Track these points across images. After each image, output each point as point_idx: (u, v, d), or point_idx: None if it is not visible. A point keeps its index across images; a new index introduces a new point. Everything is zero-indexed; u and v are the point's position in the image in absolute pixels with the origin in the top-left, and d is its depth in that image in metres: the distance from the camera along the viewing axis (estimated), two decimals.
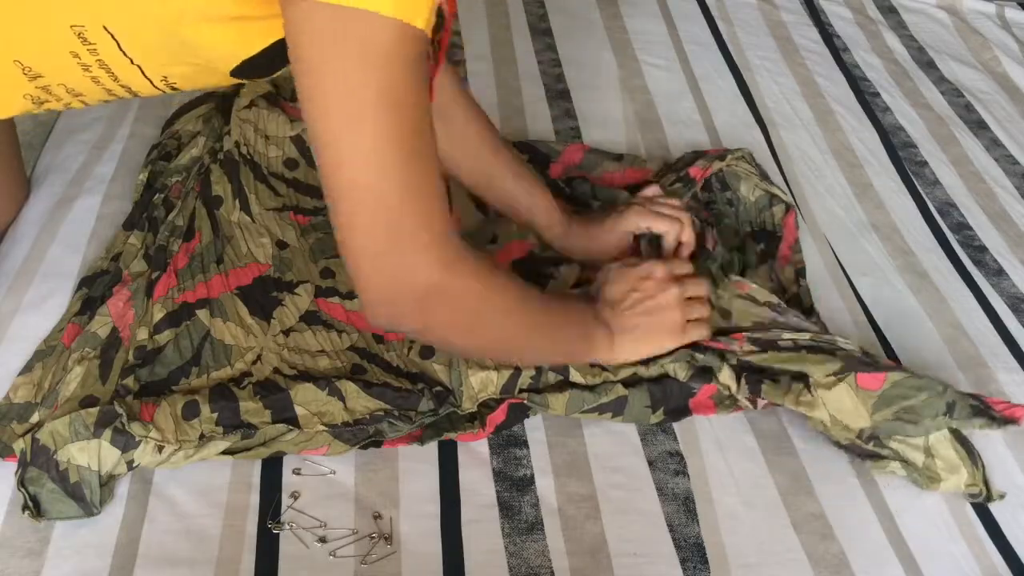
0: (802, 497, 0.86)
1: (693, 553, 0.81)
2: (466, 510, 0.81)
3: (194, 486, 0.80)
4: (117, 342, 0.86)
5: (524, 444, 0.87)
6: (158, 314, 0.88)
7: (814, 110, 1.35)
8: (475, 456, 0.85)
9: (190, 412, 0.80)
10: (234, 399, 0.81)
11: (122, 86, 0.74)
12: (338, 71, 0.58)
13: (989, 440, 0.95)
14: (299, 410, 0.81)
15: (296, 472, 0.81)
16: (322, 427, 0.81)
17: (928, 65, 1.51)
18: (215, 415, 0.80)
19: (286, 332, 0.89)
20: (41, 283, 0.93)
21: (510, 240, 1.01)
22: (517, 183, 0.97)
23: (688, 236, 0.97)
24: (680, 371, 0.88)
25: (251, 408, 0.81)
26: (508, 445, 0.86)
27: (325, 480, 0.81)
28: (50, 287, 0.93)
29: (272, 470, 0.82)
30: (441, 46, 0.73)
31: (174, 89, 0.76)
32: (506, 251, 1.00)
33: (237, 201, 0.99)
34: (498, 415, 0.86)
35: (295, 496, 0.80)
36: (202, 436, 0.79)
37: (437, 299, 0.68)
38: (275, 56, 0.67)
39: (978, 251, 1.17)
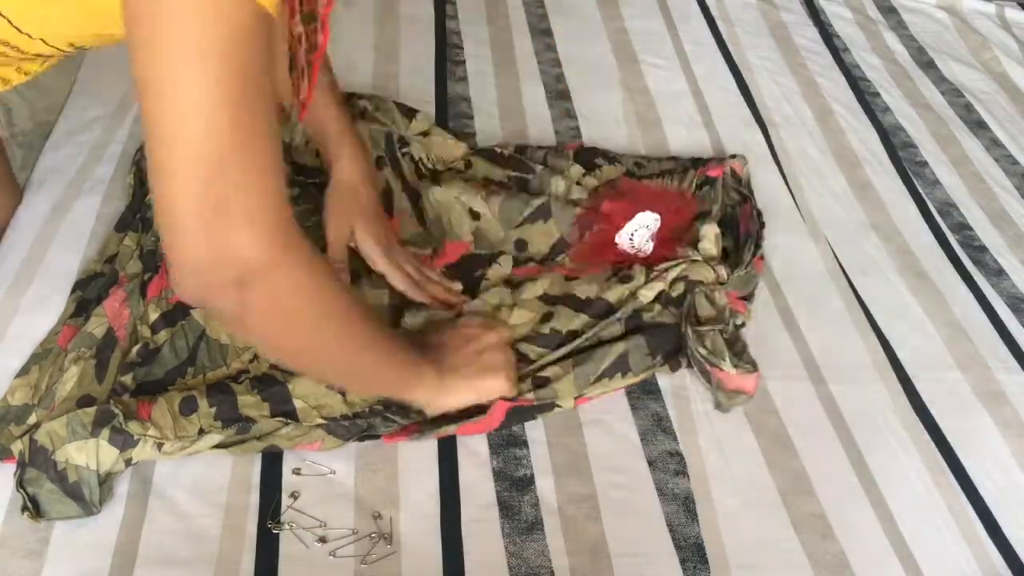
0: (802, 497, 0.86)
1: (693, 553, 0.81)
2: (466, 510, 0.81)
3: (194, 486, 0.80)
4: (113, 342, 0.86)
5: (524, 444, 0.87)
6: (153, 314, 0.88)
7: (814, 110, 1.35)
8: (475, 456, 0.85)
9: (188, 407, 0.80)
10: (231, 393, 0.81)
11: (32, 56, 0.73)
12: (177, 22, 0.54)
13: (988, 439, 0.95)
14: (298, 403, 0.82)
15: (296, 472, 0.82)
16: (321, 420, 0.81)
17: (928, 65, 1.51)
18: (213, 409, 0.80)
19: None
20: (40, 284, 0.93)
21: (448, 241, 1.03)
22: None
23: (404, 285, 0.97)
24: (647, 293, 0.94)
25: (249, 402, 0.81)
26: (508, 445, 0.86)
27: (325, 480, 0.81)
28: (49, 288, 0.93)
29: (272, 470, 0.82)
30: (319, 48, 0.69)
31: (84, 48, 0.74)
32: (443, 255, 1.02)
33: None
34: (497, 414, 0.86)
35: (295, 496, 0.80)
36: (201, 431, 0.79)
37: (259, 283, 0.61)
38: None
39: (978, 251, 1.17)
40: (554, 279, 0.97)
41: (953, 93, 1.45)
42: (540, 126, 1.24)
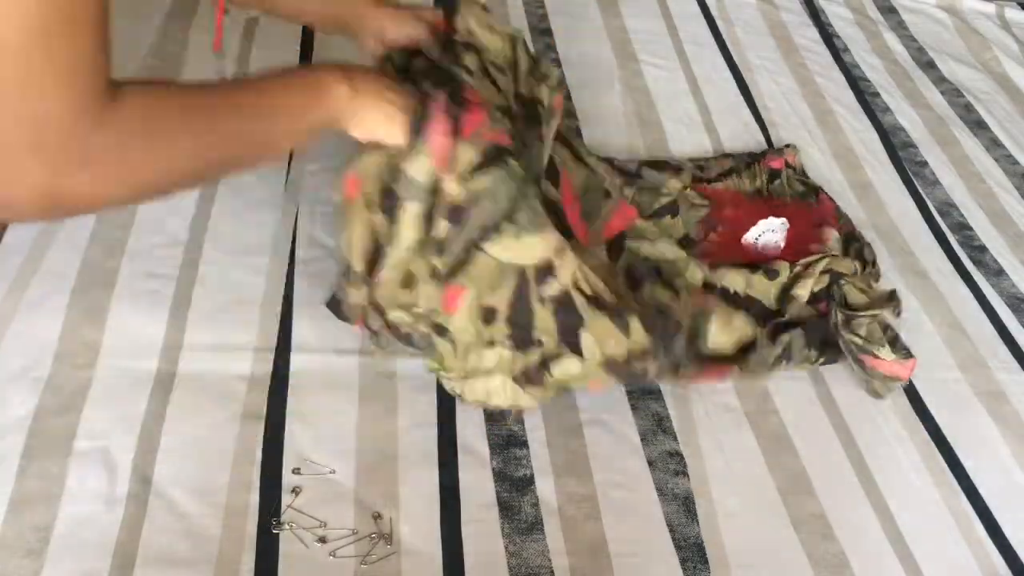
0: (802, 497, 0.86)
1: (693, 553, 0.81)
2: (466, 510, 0.81)
3: (194, 486, 0.80)
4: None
5: (524, 444, 0.87)
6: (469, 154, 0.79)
7: (814, 110, 1.35)
8: (475, 456, 0.85)
9: (488, 316, 0.81)
10: (530, 314, 0.81)
11: None
12: None
13: (988, 439, 0.95)
14: (585, 338, 0.82)
15: (296, 472, 0.81)
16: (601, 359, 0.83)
17: (928, 65, 1.51)
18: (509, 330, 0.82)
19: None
20: (40, 284, 0.93)
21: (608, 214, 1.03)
22: None
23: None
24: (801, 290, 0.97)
25: (545, 323, 0.82)
26: (508, 445, 0.86)
27: (325, 480, 0.81)
28: (49, 288, 0.93)
29: (272, 470, 0.82)
30: None
31: None
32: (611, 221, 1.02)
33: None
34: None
35: (296, 492, 0.80)
36: (491, 343, 0.82)
37: (83, 150, 0.58)
38: None
39: (978, 251, 1.17)
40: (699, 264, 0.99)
41: (953, 93, 1.45)
42: None
